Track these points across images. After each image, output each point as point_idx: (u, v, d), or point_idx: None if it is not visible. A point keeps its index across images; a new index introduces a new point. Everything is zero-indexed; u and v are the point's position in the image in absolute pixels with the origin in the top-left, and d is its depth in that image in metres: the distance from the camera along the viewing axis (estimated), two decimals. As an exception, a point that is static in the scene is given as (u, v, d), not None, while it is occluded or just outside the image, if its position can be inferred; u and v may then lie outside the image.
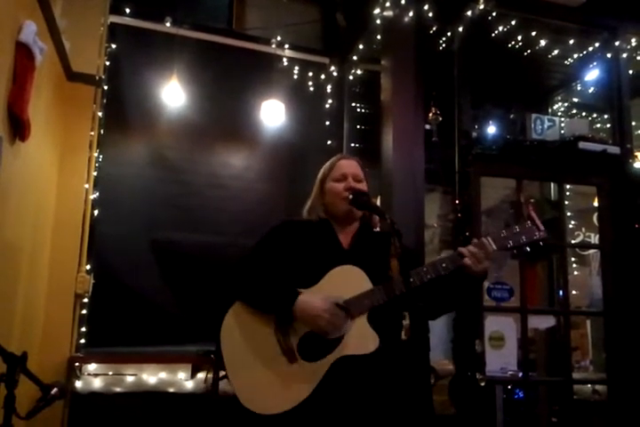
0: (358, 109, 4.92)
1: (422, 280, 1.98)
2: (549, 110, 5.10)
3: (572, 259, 4.85)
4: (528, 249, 2.11)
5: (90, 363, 3.73)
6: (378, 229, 2.26)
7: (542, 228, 2.09)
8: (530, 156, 3.95)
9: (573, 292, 4.34)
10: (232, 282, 2.10)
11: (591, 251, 4.89)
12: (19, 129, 2.63)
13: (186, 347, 3.93)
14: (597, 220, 4.24)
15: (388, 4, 3.81)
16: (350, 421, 1.92)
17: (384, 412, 1.96)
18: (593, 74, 4.54)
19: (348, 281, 2.02)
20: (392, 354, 1.99)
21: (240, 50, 4.70)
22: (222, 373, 3.40)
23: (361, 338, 1.96)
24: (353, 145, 4.81)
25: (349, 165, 2.24)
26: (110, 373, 3.75)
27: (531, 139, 4.09)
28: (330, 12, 4.97)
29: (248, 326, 2.03)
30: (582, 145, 3.99)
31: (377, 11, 3.93)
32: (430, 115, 4.25)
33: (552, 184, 4.72)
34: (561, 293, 4.19)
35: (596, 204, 4.26)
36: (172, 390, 3.77)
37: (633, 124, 4.24)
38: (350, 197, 2.11)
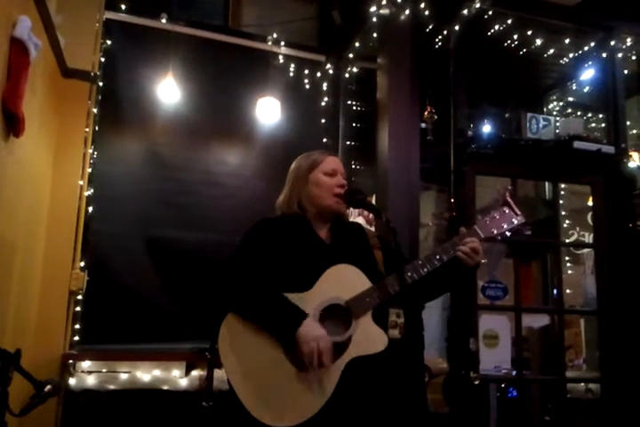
0: (354, 107, 4.91)
1: (420, 274, 1.99)
2: (544, 110, 5.10)
3: (567, 258, 4.87)
4: (508, 234, 2.12)
5: (84, 360, 3.73)
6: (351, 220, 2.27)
7: (519, 212, 2.12)
8: (525, 155, 3.96)
9: (567, 291, 4.36)
10: (226, 294, 2.00)
11: (585, 250, 4.90)
12: (13, 125, 2.62)
13: (180, 344, 3.93)
14: (592, 219, 4.25)
15: (384, 2, 3.82)
16: (366, 421, 1.91)
17: (381, 410, 1.96)
18: (588, 73, 4.55)
19: (345, 281, 1.99)
20: (394, 352, 1.97)
21: (236, 47, 4.68)
22: (219, 371, 3.42)
23: (369, 338, 1.93)
24: (348, 143, 4.81)
25: (338, 163, 2.23)
26: (104, 370, 3.74)
27: (526, 138, 4.11)
28: (326, 10, 4.96)
29: (248, 337, 1.94)
30: (577, 144, 4.00)
31: (373, 9, 3.93)
32: (426, 113, 4.24)
33: (547, 183, 4.73)
34: (555, 292, 4.21)
35: (590, 203, 4.27)
36: (166, 387, 3.77)
37: (627, 123, 4.25)
38: (345, 195, 2.11)
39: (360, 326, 1.94)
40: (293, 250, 2.06)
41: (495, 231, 2.09)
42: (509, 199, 2.14)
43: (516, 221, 2.10)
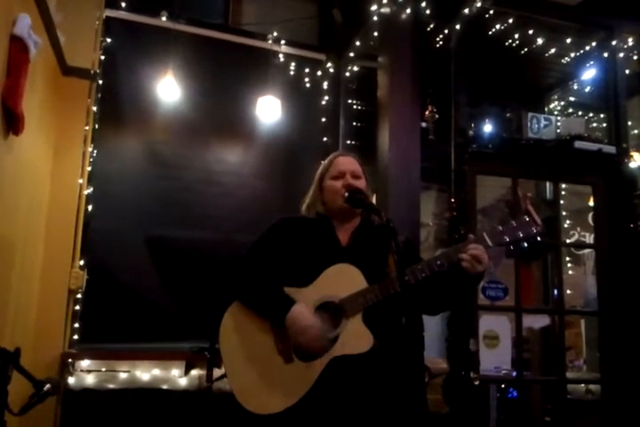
0: (354, 106, 4.89)
1: (417, 278, 1.96)
2: (546, 109, 5.10)
3: (567, 258, 4.87)
4: (525, 245, 2.08)
5: (83, 359, 3.72)
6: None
7: (539, 222, 2.08)
8: (526, 155, 3.95)
9: (568, 291, 4.35)
10: (230, 282, 2.09)
11: (586, 250, 4.91)
12: (12, 123, 2.62)
13: (179, 344, 3.92)
14: (592, 219, 4.25)
15: (385, 1, 3.80)
16: (346, 420, 1.91)
17: (379, 410, 1.95)
18: (589, 73, 4.55)
19: (343, 280, 2.01)
20: (388, 353, 1.97)
21: (236, 45, 4.66)
22: (218, 370, 3.41)
23: (356, 338, 1.95)
24: (349, 142, 4.79)
25: (347, 162, 2.22)
26: (103, 369, 3.74)
27: (527, 138, 4.10)
28: (327, 8, 4.95)
29: (246, 327, 2.02)
30: (578, 144, 4.00)
31: (374, 7, 3.92)
32: (427, 112, 4.24)
33: (547, 183, 4.73)
34: (555, 292, 4.20)
35: (591, 203, 4.26)
36: (165, 386, 3.76)
37: (629, 123, 4.24)
38: (346, 195, 2.09)
39: (349, 325, 1.97)
40: (307, 249, 2.10)
41: (508, 239, 2.03)
42: (530, 207, 2.11)
43: (534, 231, 2.05)
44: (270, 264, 2.08)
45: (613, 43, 4.21)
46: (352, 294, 1.97)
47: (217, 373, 3.47)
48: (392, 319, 2.00)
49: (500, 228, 2.05)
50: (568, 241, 4.72)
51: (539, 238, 2.09)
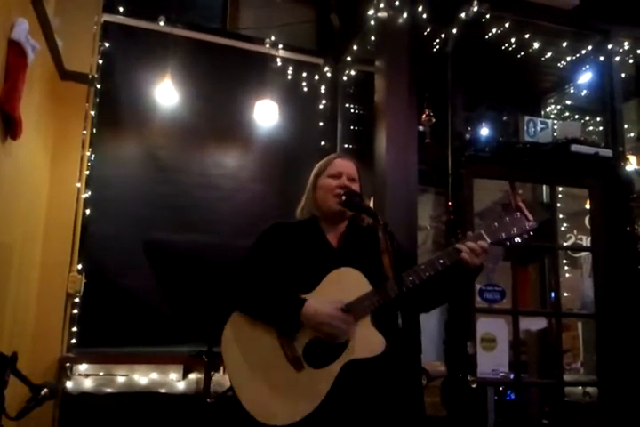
0: (352, 110, 4.91)
1: (421, 278, 1.98)
2: (542, 113, 5.10)
3: (564, 261, 4.86)
4: (519, 240, 2.10)
5: (81, 363, 3.73)
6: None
7: (531, 218, 2.10)
8: (522, 158, 3.96)
9: (565, 294, 4.36)
10: (232, 294, 2.08)
11: (583, 253, 4.90)
12: (10, 127, 2.62)
13: (177, 347, 3.92)
14: (589, 222, 4.25)
15: (382, 6, 3.81)
16: (363, 423, 1.92)
17: (380, 413, 1.96)
18: (586, 77, 4.56)
19: (346, 284, 2.00)
20: (394, 356, 1.97)
21: (234, 49, 4.68)
22: (216, 373, 3.41)
23: (367, 341, 1.94)
24: (346, 146, 4.81)
25: (346, 165, 2.23)
26: (101, 373, 3.74)
27: (523, 141, 4.10)
28: (324, 13, 4.97)
29: (249, 337, 2.00)
30: (575, 148, 4.00)
31: (371, 12, 3.93)
32: (424, 116, 4.25)
33: (544, 186, 4.73)
34: (552, 295, 4.21)
35: (587, 206, 4.27)
36: (163, 390, 3.77)
37: (625, 126, 4.25)
38: (343, 198, 2.09)
39: (359, 329, 1.96)
40: (300, 254, 2.10)
41: (504, 235, 2.06)
42: (521, 204, 2.13)
43: (527, 227, 2.08)
44: (267, 272, 2.07)
45: (609, 47, 4.22)
46: (358, 298, 1.97)
47: (214, 377, 3.48)
48: (395, 322, 2.00)
49: (496, 224, 2.09)
50: (565, 244, 4.72)
51: (531, 233, 2.11)
